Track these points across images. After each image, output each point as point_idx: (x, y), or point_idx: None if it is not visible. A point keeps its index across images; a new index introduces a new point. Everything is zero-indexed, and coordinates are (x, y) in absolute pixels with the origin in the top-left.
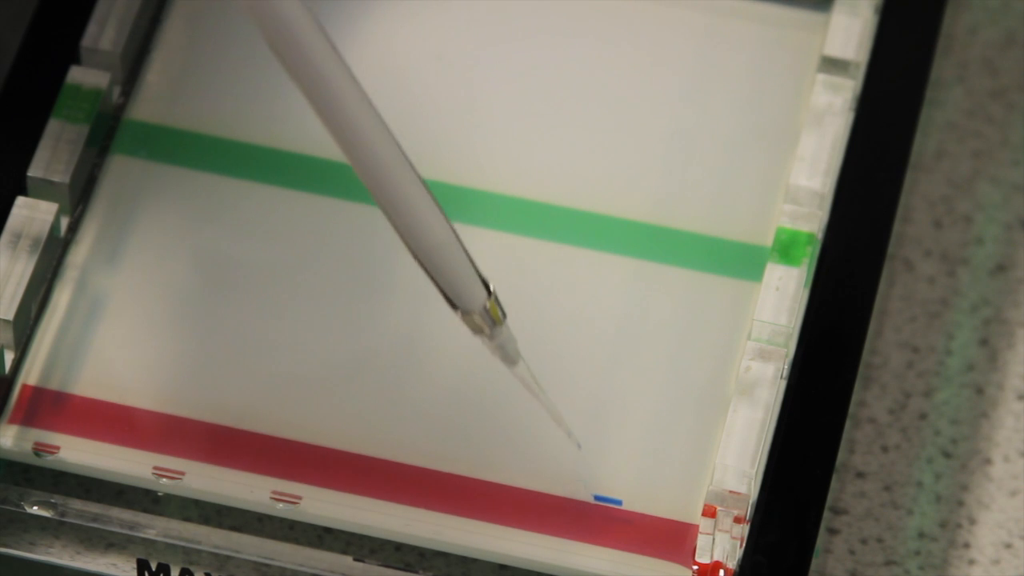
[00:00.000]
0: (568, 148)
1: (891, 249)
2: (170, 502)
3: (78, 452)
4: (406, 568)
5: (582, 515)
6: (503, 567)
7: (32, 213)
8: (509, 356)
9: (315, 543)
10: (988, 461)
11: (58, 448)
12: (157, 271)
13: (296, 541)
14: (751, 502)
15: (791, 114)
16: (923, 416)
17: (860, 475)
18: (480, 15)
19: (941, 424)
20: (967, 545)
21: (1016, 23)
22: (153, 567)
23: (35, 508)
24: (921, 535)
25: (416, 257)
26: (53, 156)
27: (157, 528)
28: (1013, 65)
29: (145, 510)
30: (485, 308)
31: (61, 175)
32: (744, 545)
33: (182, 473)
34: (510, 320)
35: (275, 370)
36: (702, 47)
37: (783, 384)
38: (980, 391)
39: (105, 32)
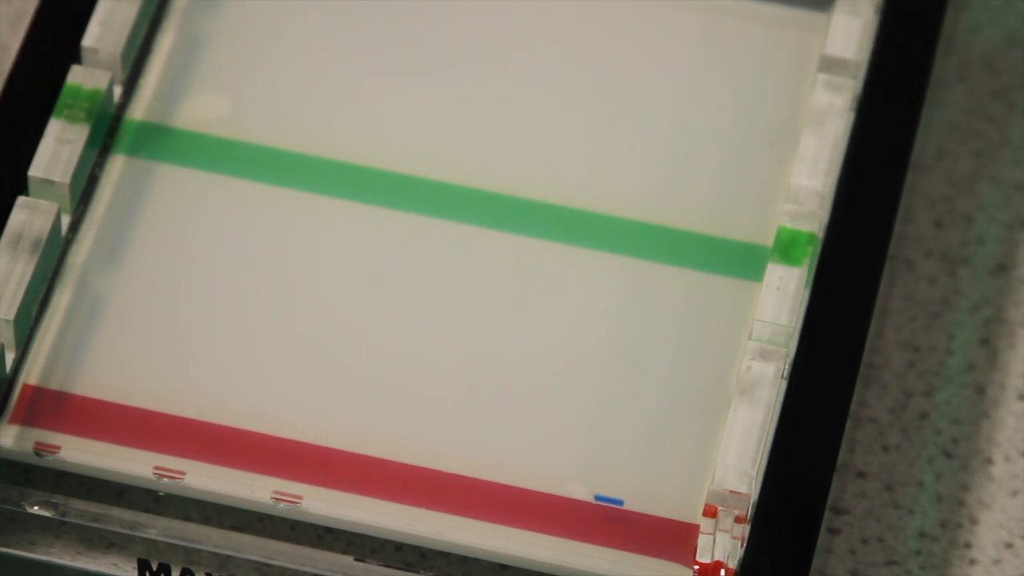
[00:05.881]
0: (568, 148)
1: (892, 249)
2: (171, 502)
3: (79, 452)
4: (407, 568)
5: (583, 515)
6: (503, 567)
7: (32, 213)
8: None
9: (316, 543)
10: (989, 461)
11: (59, 448)
12: (157, 271)
13: (297, 541)
14: (752, 502)
15: (791, 114)
16: (924, 416)
17: (861, 475)
18: (481, 15)
19: (942, 424)
20: (968, 545)
21: (1016, 23)
22: (154, 567)
23: (36, 508)
24: (922, 535)
25: None
26: (53, 156)
27: (158, 528)
28: (1014, 65)
29: (146, 510)
30: None
31: (61, 175)
32: (745, 545)
33: (183, 473)
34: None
35: (276, 370)
36: (703, 47)
37: (784, 384)
38: (981, 391)
39: (105, 32)
